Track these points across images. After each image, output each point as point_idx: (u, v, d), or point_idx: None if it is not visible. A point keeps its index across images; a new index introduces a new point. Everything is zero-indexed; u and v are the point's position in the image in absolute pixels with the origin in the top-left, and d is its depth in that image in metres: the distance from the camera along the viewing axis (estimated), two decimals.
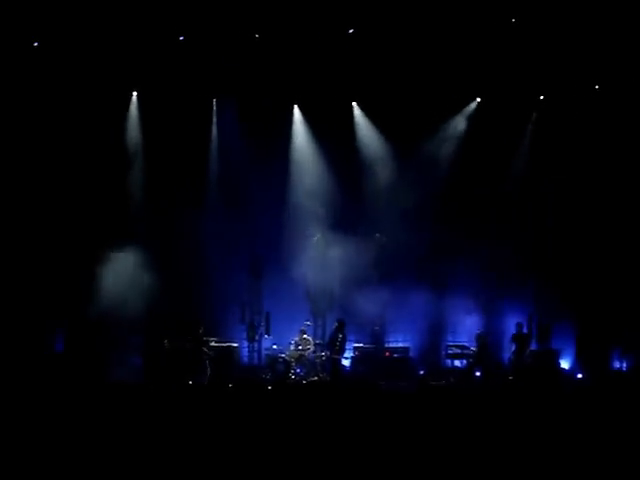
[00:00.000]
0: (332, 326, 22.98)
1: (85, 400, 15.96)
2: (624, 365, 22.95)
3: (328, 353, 22.54)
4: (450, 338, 23.81)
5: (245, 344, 23.87)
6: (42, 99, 22.51)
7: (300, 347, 22.73)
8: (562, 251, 23.70)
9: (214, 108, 24.35)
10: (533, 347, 23.15)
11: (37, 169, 22.69)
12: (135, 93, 23.80)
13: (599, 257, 23.54)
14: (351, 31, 22.47)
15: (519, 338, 22.81)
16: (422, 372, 23.00)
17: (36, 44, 22.08)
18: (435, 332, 23.90)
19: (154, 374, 21.41)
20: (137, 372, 21.65)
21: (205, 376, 21.54)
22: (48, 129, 22.67)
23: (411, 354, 23.61)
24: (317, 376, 22.23)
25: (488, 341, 23.06)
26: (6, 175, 22.50)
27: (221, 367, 22.02)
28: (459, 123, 24.44)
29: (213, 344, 22.43)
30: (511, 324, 23.09)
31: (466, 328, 23.48)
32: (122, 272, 22.18)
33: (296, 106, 24.60)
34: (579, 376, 22.68)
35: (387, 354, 23.46)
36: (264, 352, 23.35)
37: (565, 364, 23.18)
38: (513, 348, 22.80)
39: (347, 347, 22.91)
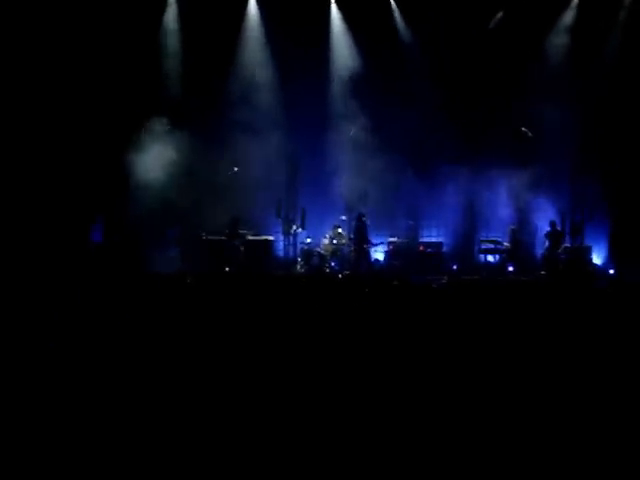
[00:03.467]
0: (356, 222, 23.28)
1: (123, 288, 16.35)
2: None
3: (361, 246, 22.89)
4: (483, 233, 23.93)
5: (281, 238, 24.21)
6: None
7: (335, 241, 23.08)
8: (596, 148, 23.42)
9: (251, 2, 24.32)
10: (566, 244, 23.23)
11: (74, 63, 22.84)
12: None
13: (633, 154, 23.33)
14: None
15: (553, 235, 22.87)
16: (455, 267, 23.16)
17: None
18: (468, 227, 23.98)
19: (190, 264, 21.87)
20: (174, 263, 22.02)
21: (239, 268, 21.98)
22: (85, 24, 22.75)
23: (444, 249, 23.79)
24: (351, 270, 22.56)
25: (521, 236, 23.21)
26: (44, 67, 22.60)
27: (257, 260, 22.45)
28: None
29: (249, 237, 22.84)
30: (545, 220, 23.13)
31: (499, 223, 23.53)
32: (160, 163, 22.55)
33: (333, 1, 24.46)
34: (611, 272, 22.73)
35: (421, 248, 23.63)
36: (299, 246, 23.68)
37: (597, 260, 23.26)
38: (547, 245, 22.94)
39: (378, 240, 23.29)
